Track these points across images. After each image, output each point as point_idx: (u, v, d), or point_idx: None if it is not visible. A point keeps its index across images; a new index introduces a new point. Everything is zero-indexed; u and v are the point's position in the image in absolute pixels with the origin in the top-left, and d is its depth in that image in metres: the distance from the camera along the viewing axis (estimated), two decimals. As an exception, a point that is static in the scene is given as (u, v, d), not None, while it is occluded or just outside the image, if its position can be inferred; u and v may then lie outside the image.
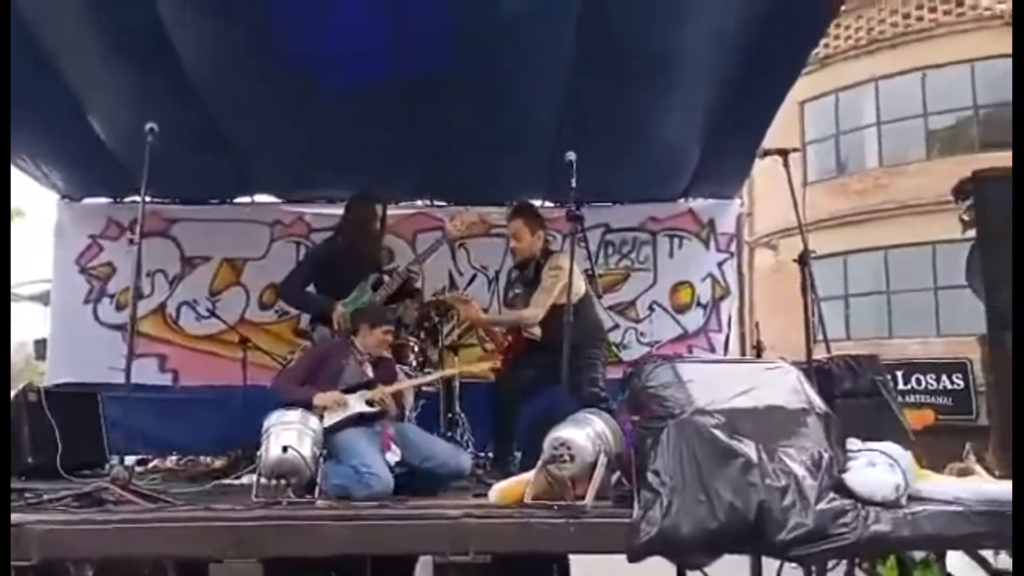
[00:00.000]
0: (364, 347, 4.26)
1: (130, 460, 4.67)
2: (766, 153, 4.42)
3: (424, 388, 5.40)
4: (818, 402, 3.27)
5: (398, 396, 4.15)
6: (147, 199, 3.88)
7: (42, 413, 4.48)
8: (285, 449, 3.37)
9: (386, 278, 5.13)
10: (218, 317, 6.20)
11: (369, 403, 3.99)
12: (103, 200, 6.46)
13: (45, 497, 3.28)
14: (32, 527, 2.91)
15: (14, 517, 2.96)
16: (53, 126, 5.36)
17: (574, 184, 4.01)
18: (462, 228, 5.31)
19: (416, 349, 5.43)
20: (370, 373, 4.22)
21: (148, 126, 3.86)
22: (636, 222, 6.67)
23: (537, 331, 4.70)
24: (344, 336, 4.57)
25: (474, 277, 6.56)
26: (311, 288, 5.18)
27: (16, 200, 13.67)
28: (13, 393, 4.65)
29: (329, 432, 3.80)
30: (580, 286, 4.61)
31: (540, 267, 4.72)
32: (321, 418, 3.83)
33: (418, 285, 5.37)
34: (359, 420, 3.94)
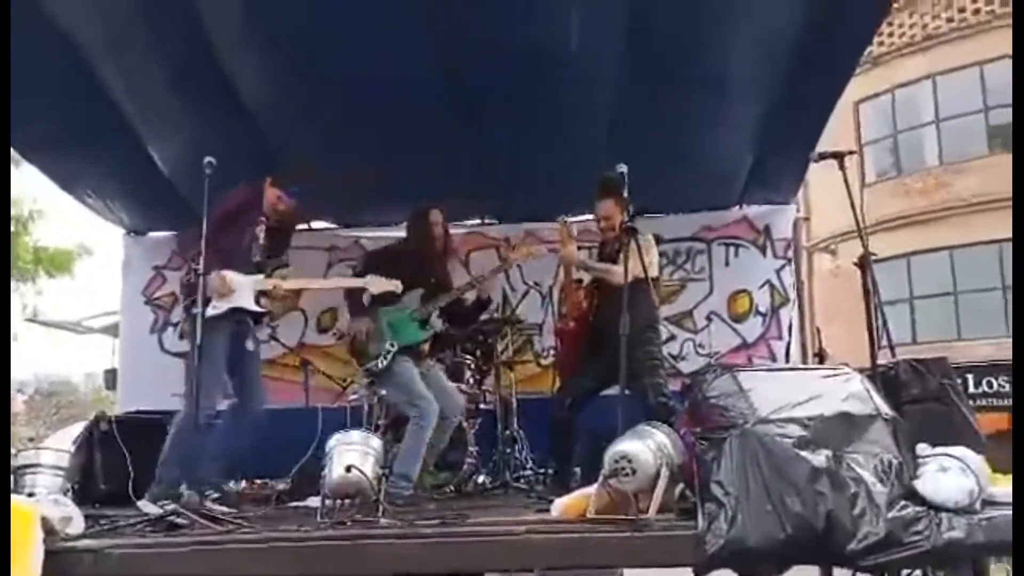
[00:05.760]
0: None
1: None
2: (821, 157, 4.32)
3: (481, 406, 5.39)
4: (885, 407, 3.19)
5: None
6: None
7: (113, 441, 4.59)
8: (348, 469, 3.40)
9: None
10: (278, 341, 6.31)
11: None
12: (167, 233, 6.66)
13: (120, 523, 3.37)
14: (109, 551, 2.98)
15: (91, 543, 3.06)
16: (118, 163, 5.57)
17: (626, 195, 4.01)
18: (522, 257, 5.32)
19: (472, 367, 5.45)
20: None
21: (206, 160, 3.96)
22: (689, 232, 6.61)
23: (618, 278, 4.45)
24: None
25: (527, 293, 6.57)
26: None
27: (84, 238, 14.25)
28: (86, 423, 4.79)
29: None
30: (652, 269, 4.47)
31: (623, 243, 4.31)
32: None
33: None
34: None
